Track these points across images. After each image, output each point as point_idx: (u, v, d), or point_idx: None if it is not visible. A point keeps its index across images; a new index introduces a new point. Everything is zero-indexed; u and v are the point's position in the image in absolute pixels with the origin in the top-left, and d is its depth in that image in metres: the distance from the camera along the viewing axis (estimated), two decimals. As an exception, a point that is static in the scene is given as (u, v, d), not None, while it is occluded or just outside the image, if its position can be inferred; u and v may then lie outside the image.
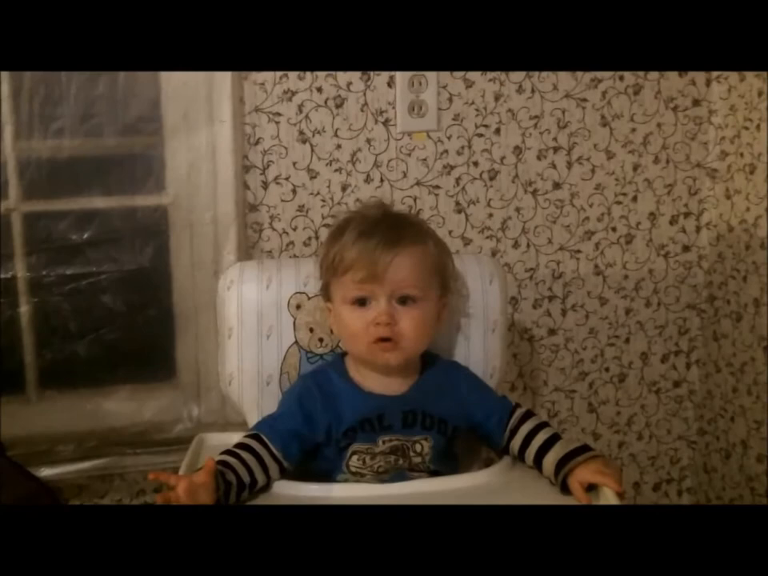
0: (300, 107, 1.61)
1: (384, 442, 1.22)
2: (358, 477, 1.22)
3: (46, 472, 1.58)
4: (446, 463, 1.26)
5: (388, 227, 1.21)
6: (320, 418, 1.21)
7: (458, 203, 1.71)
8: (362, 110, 1.63)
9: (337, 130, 1.63)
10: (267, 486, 1.17)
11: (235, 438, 1.32)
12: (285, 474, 1.19)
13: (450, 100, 1.66)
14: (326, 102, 1.62)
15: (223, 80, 1.53)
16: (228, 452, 1.17)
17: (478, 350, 1.36)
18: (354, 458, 1.22)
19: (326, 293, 1.27)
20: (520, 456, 1.24)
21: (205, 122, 1.56)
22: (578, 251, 1.78)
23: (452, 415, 1.25)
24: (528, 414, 1.27)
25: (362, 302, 1.20)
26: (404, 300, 1.20)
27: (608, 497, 1.11)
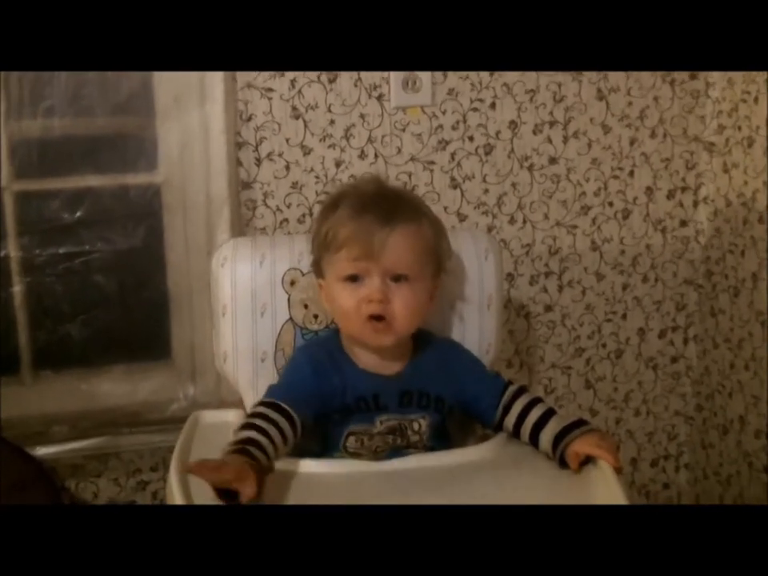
0: (292, 82, 1.59)
1: (382, 422, 1.22)
2: (355, 457, 1.21)
3: (41, 452, 1.58)
4: (442, 441, 1.26)
5: (383, 204, 1.19)
6: (332, 383, 1.20)
7: (453, 179, 1.69)
8: (355, 86, 1.61)
9: (330, 105, 1.61)
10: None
11: (231, 415, 1.32)
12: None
13: (445, 74, 1.64)
14: (318, 77, 1.60)
15: (215, 56, 1.52)
16: (255, 427, 1.10)
17: (474, 327, 1.36)
18: (352, 438, 1.21)
19: (317, 268, 1.26)
20: (515, 433, 1.23)
21: (197, 101, 1.54)
22: (575, 227, 1.77)
23: (447, 393, 1.25)
24: (521, 391, 1.26)
25: (354, 279, 1.19)
26: (397, 278, 1.18)
27: (605, 471, 1.11)
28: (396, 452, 1.22)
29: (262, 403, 1.16)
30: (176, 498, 1.07)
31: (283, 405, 1.14)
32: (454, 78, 1.65)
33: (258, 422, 1.11)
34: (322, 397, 1.19)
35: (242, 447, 1.05)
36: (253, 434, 1.09)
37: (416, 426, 1.23)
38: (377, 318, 1.18)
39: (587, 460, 1.13)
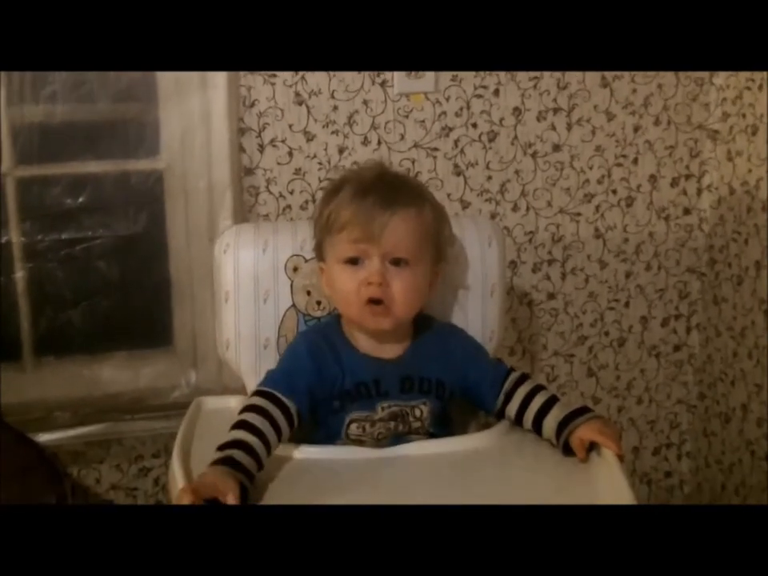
0: (296, 68, 1.59)
1: (383, 409, 1.21)
2: (357, 444, 1.21)
3: (43, 438, 1.58)
4: (444, 427, 1.26)
5: (385, 187, 1.19)
6: (330, 370, 1.20)
7: (456, 166, 1.69)
8: (358, 72, 1.60)
9: (333, 91, 1.61)
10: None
11: (233, 401, 1.32)
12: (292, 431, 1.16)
13: (448, 61, 1.63)
14: (322, 64, 1.59)
15: (217, 42, 1.51)
16: (248, 426, 1.10)
17: (476, 314, 1.35)
18: (353, 425, 1.21)
19: (319, 252, 1.26)
20: (517, 420, 1.23)
21: (199, 87, 1.54)
22: (578, 214, 1.76)
23: (448, 378, 1.24)
24: (523, 378, 1.26)
25: (354, 262, 1.18)
26: (397, 262, 1.18)
27: (608, 459, 1.11)
28: (398, 438, 1.22)
29: (258, 392, 1.16)
30: (178, 484, 1.07)
31: (279, 395, 1.14)
32: (457, 64, 1.64)
33: (252, 418, 1.11)
34: (320, 383, 1.19)
35: (228, 456, 1.04)
36: (244, 434, 1.08)
37: (417, 413, 1.23)
38: (375, 301, 1.17)
39: (590, 447, 1.13)
